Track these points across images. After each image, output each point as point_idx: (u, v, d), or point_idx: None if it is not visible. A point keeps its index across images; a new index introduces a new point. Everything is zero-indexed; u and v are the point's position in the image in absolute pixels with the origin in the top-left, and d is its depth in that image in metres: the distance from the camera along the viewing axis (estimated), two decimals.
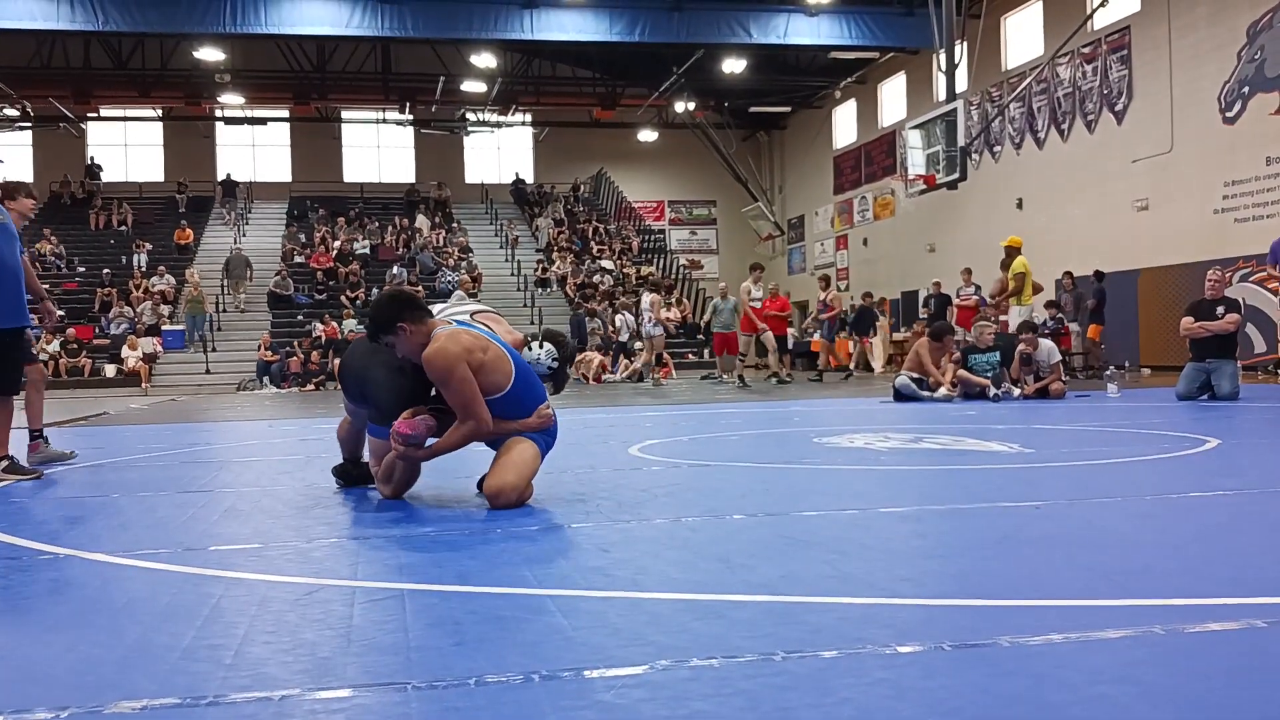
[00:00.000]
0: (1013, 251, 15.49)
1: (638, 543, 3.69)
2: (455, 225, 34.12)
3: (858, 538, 3.71)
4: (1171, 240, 19.27)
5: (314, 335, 25.61)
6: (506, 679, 2.13)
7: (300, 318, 27.35)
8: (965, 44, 20.16)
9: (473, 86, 31.95)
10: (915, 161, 20.34)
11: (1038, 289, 16.01)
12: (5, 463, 6.10)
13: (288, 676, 2.20)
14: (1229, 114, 18.68)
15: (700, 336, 28.15)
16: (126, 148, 35.96)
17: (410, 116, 34.86)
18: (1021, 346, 12.20)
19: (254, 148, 36.26)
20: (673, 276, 32.10)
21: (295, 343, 24.76)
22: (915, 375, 12.15)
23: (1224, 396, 10.73)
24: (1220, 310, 11.08)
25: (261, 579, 3.20)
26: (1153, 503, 4.42)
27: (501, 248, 33.25)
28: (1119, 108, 21.28)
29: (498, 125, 35.82)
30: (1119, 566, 3.14)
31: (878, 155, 30.68)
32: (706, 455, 6.59)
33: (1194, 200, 18.92)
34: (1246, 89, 18.30)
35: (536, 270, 31.01)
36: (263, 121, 34.79)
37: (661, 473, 5.74)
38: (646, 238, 35.22)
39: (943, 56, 19.61)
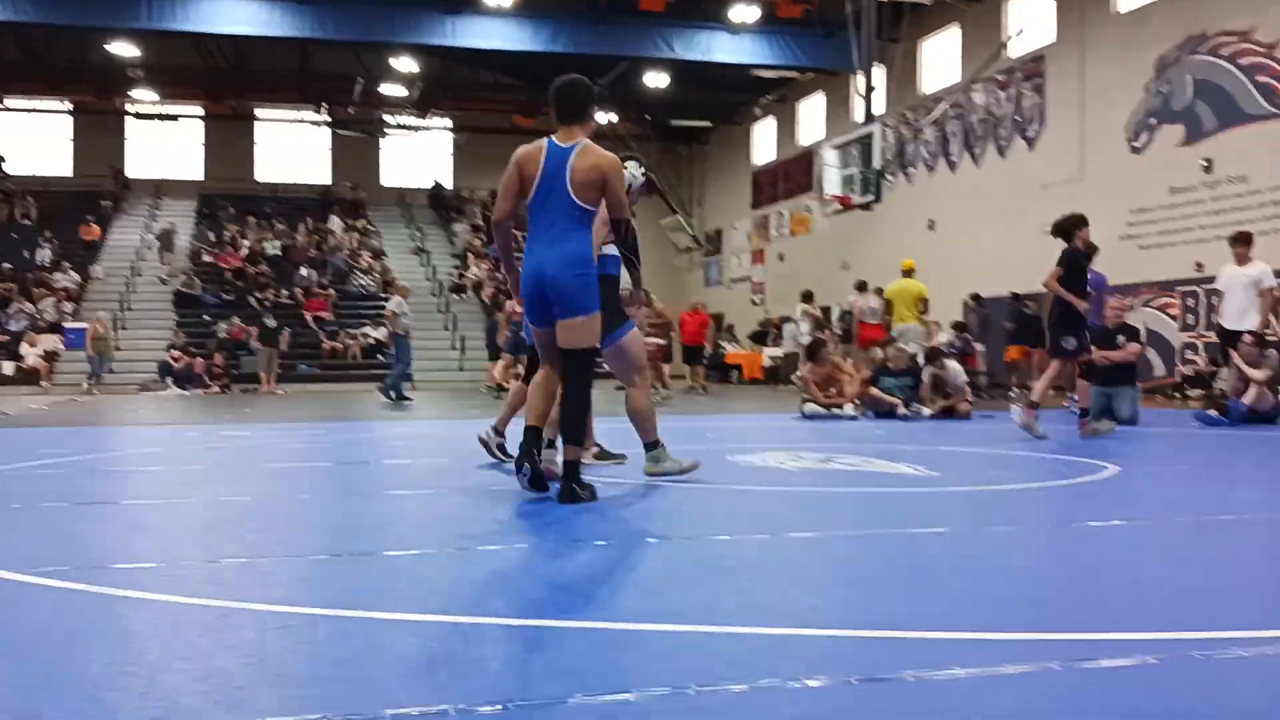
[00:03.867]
0: (909, 273, 16.02)
1: (552, 567, 3.71)
2: (369, 228, 33.78)
3: (769, 564, 3.77)
4: None
5: (220, 336, 25.21)
6: (420, 712, 2.14)
7: (207, 318, 26.88)
8: (883, 67, 20.52)
9: (392, 89, 31.70)
10: (832, 180, 20.63)
11: (924, 310, 16.32)
12: None
13: (203, 707, 2.18)
14: (1136, 144, 19.27)
15: None
16: (34, 140, 34.97)
17: (327, 117, 34.43)
18: (933, 368, 12.48)
19: (166, 144, 35.48)
20: None
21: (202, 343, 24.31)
22: (807, 397, 12.44)
23: (1124, 421, 11.06)
24: (1121, 339, 11.41)
25: (171, 600, 3.16)
26: (1052, 531, 4.56)
27: (416, 253, 32.99)
28: (1031, 134, 21.82)
29: (416, 129, 35.55)
30: (1019, 598, 3.25)
31: (795, 173, 31.05)
32: (619, 472, 6.61)
33: (1101, 227, 19.25)
34: (1154, 120, 18.89)
35: (452, 276, 30.83)
36: (175, 118, 34.11)
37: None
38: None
39: (861, 79, 19.93)
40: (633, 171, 5.89)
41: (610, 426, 7.47)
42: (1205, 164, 17.68)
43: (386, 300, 28.93)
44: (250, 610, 3.04)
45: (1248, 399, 10.78)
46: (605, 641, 2.71)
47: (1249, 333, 11.23)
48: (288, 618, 2.94)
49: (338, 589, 3.39)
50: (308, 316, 27.44)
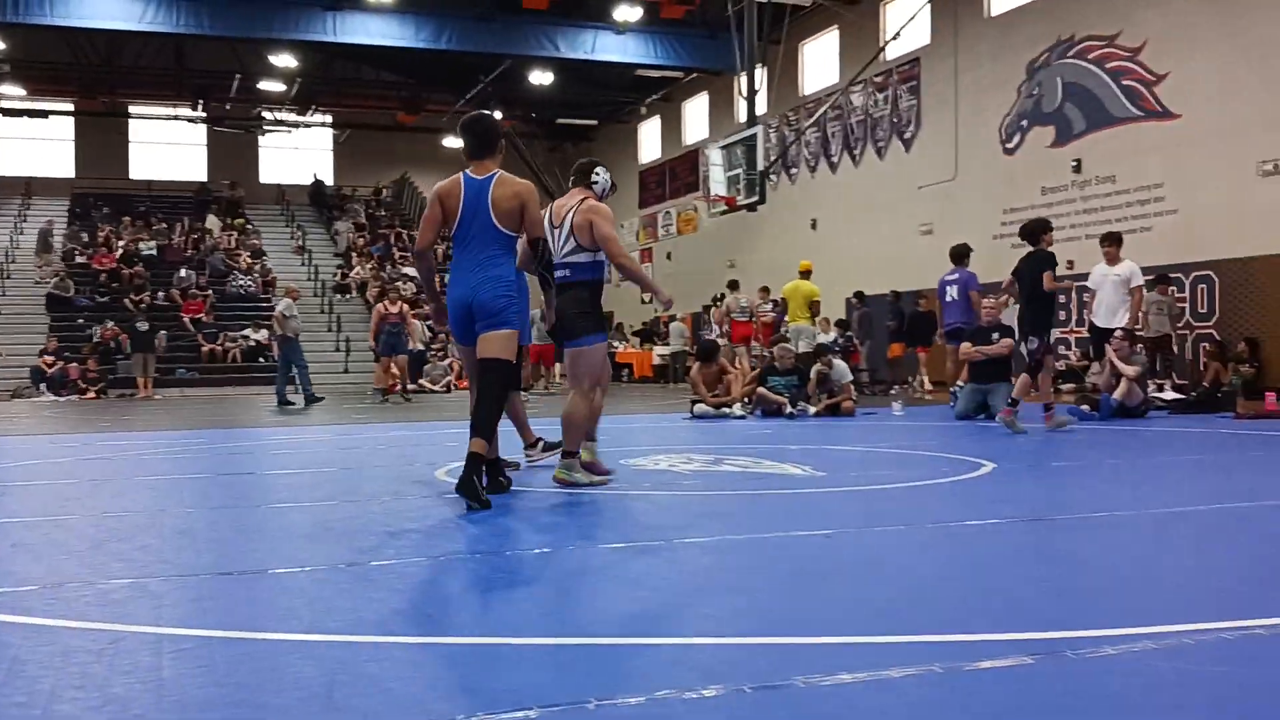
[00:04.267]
0: (804, 274, 16.41)
1: (451, 581, 3.73)
2: (248, 227, 33.09)
3: (662, 572, 3.85)
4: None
5: (94, 340, 24.46)
6: None
7: (80, 321, 26.05)
8: (765, 69, 20.83)
9: (271, 85, 31.10)
10: (717, 180, 20.88)
11: (815, 310, 16.79)
12: None
13: None
14: (1009, 145, 19.89)
15: None
16: None
17: (203, 114, 33.63)
18: (819, 367, 12.75)
19: (35, 141, 34.22)
20: None
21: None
22: (695, 398, 12.61)
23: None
24: (995, 335, 11.79)
25: (61, 625, 3.10)
26: (933, 531, 4.72)
27: (297, 252, 32.41)
28: (908, 136, 22.36)
29: (296, 125, 34.95)
30: (902, 599, 3.37)
31: (682, 171, 31.30)
32: (514, 479, 6.62)
33: (975, 226, 20.00)
34: (1025, 122, 19.51)
35: (335, 276, 30.37)
36: (44, 114, 32.93)
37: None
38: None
39: (743, 80, 20.20)
40: (604, 176, 6.39)
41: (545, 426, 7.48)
42: (1075, 165, 18.33)
43: (267, 301, 28.47)
44: (143, 634, 3.01)
45: (1118, 394, 11.23)
46: (503, 657, 2.75)
47: (1121, 330, 11.69)
48: (182, 641, 2.92)
49: (231, 610, 3.36)
50: (185, 319, 26.78)
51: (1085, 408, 11.47)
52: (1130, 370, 11.35)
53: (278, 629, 3.03)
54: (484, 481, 5.45)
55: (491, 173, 5.60)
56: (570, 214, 6.11)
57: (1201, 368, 15.65)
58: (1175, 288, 15.96)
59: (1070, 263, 17.85)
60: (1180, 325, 16.07)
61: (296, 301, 18.60)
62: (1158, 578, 3.71)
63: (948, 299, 13.15)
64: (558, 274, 6.00)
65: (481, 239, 5.53)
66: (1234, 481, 6.60)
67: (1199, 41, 16.18)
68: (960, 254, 13.30)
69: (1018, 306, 10.29)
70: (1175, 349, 15.85)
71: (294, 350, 17.78)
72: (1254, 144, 15.30)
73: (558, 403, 16.60)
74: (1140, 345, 12.26)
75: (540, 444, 7.31)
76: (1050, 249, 10.03)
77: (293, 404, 17.34)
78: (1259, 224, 14.98)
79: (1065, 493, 6.13)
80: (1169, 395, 12.78)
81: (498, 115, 31.96)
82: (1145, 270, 12.66)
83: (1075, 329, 17.79)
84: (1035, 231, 10.11)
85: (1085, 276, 12.91)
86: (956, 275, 13.15)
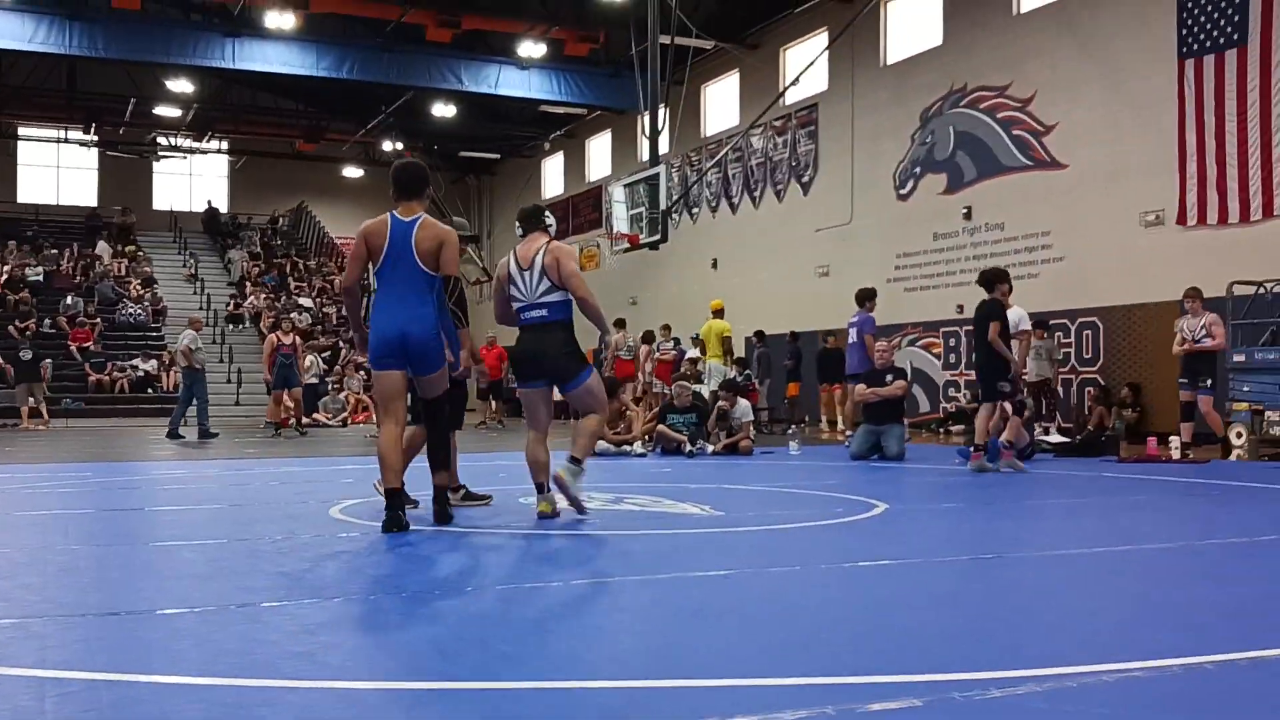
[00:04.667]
0: (717, 313, 16.69)
1: (345, 623, 3.68)
2: (140, 254, 32.31)
3: (562, 614, 3.85)
4: (849, 306, 20.63)
5: None
6: None
7: None
8: (668, 109, 21.05)
9: (166, 110, 30.53)
10: (620, 217, 20.99)
11: (727, 347, 17.09)
12: None
13: None
14: (902, 191, 20.37)
15: None
16: None
17: (95, 137, 32.83)
18: (721, 404, 12.88)
19: None
20: None
21: None
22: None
23: (892, 457, 11.66)
24: (889, 378, 12.04)
25: None
26: (827, 572, 4.80)
27: (190, 280, 31.74)
28: (806, 179, 22.78)
29: (191, 151, 34.33)
30: (796, 640, 3.42)
31: (584, 208, 31.43)
32: (411, 518, 6.54)
33: (870, 269, 20.43)
34: (918, 169, 20.02)
35: (228, 305, 29.80)
36: None
37: (365, 540, 5.69)
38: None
39: (646, 119, 20.40)
40: (552, 220, 6.67)
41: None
42: (965, 211, 18.85)
43: (157, 330, 27.81)
44: (26, 677, 2.92)
45: (1005, 435, 11.50)
46: (396, 701, 2.73)
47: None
48: (67, 684, 2.84)
49: (118, 651, 3.28)
50: (72, 347, 26.01)
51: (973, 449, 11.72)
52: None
53: (166, 671, 2.97)
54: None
55: (417, 215, 5.94)
56: (539, 255, 6.33)
57: (1086, 412, 16.15)
58: (1060, 333, 16.49)
59: (960, 307, 18.34)
60: (1065, 370, 16.58)
61: (200, 332, 18.19)
62: (1042, 620, 3.82)
63: (850, 340, 13.44)
64: (534, 314, 6.32)
65: (407, 278, 5.86)
66: (1115, 525, 6.82)
67: (1085, 94, 16.81)
68: (861, 297, 13.59)
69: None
70: (1059, 392, 16.35)
71: (199, 383, 17.37)
72: (1137, 194, 15.90)
73: (497, 439, 16.48)
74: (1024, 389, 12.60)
75: (462, 491, 7.18)
76: (1003, 299, 10.36)
77: (183, 437, 16.94)
78: (1142, 272, 15.55)
79: (955, 534, 6.28)
80: (1054, 438, 13.14)
81: (399, 145, 31.89)
82: (1030, 315, 13.04)
83: (964, 372, 18.23)
84: (990, 280, 10.49)
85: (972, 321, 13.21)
86: (856, 318, 13.43)
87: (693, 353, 20.00)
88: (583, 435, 6.43)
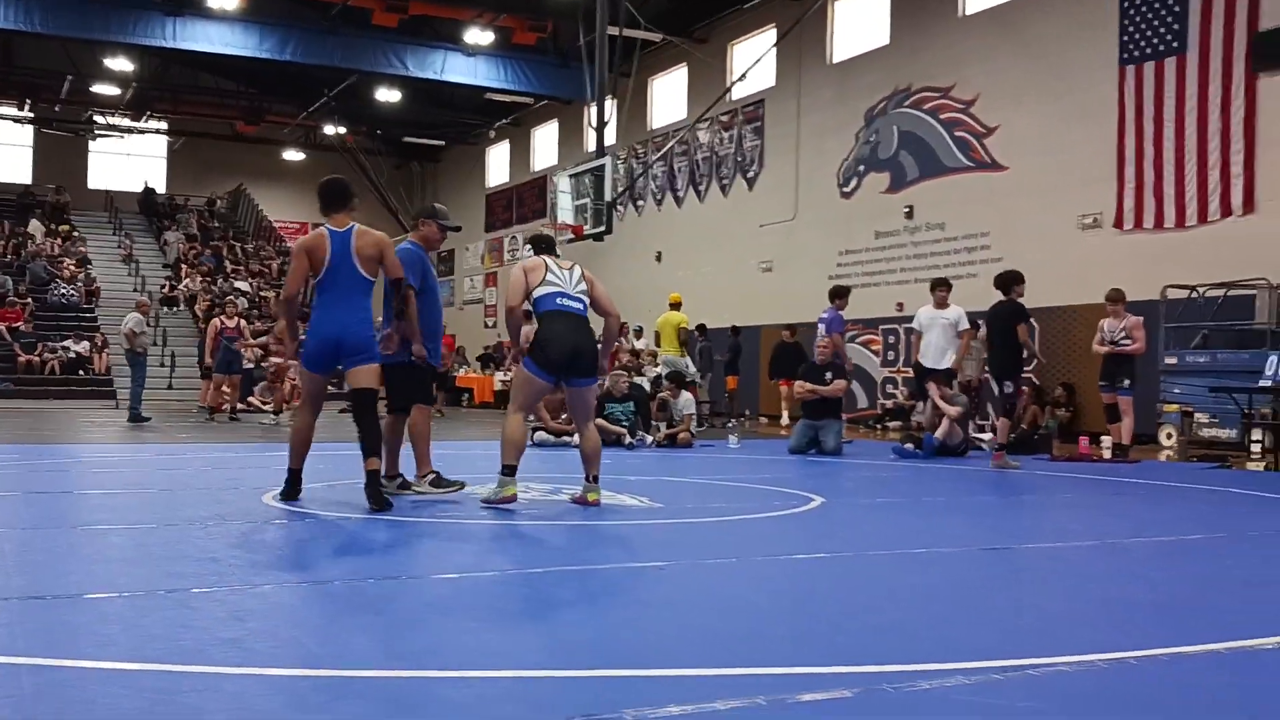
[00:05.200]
0: (674, 306, 16.71)
1: (276, 610, 3.64)
2: (74, 234, 31.67)
3: (497, 604, 3.84)
4: (792, 301, 20.80)
5: None
6: None
7: None
8: (615, 101, 21.03)
9: (104, 89, 29.93)
10: (564, 207, 20.92)
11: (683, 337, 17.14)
12: None
13: None
14: (846, 189, 20.51)
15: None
16: None
17: (30, 114, 32.13)
18: (664, 394, 12.89)
19: None
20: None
21: None
22: (536, 424, 12.51)
23: (830, 452, 11.75)
24: (829, 375, 12.10)
25: None
26: (763, 564, 4.82)
27: (125, 261, 31.18)
28: (751, 175, 22.86)
29: (129, 131, 33.71)
30: (731, 632, 3.44)
31: (529, 197, 31.30)
32: (341, 505, 6.49)
33: (813, 266, 20.57)
34: (862, 168, 20.16)
35: (163, 288, 29.31)
36: None
37: (298, 526, 5.64)
38: (287, 260, 34.13)
39: (593, 110, 20.36)
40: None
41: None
42: (907, 211, 19.02)
43: (90, 311, 27.28)
44: None
45: (939, 434, 11.65)
46: (326, 688, 2.70)
47: (946, 371, 12.14)
48: None
49: (43, 636, 3.22)
50: (2, 327, 25.44)
51: (909, 445, 11.85)
52: (953, 410, 11.80)
53: (93, 657, 2.92)
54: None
55: (349, 225, 6.29)
56: (577, 267, 6.78)
57: (1020, 410, 16.34)
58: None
59: (900, 304, 18.52)
60: None
61: (145, 316, 17.80)
62: (973, 613, 3.87)
63: (818, 335, 13.26)
64: (573, 305, 6.55)
65: (348, 284, 6.20)
66: (1046, 521, 6.93)
67: (1027, 97, 17.01)
68: (831, 294, 13.44)
69: (985, 353, 11.20)
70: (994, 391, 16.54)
71: (139, 367, 17.00)
72: (1075, 198, 16.13)
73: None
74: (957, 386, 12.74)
75: (432, 476, 7.02)
76: (1020, 300, 10.60)
77: (147, 419, 16.50)
78: (1078, 274, 15.76)
79: (889, 528, 6.34)
80: (988, 436, 13.31)
81: (341, 130, 31.55)
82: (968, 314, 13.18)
83: (902, 369, 18.40)
84: (1008, 282, 10.70)
85: (913, 319, 13.33)
86: (826, 314, 13.27)
87: (639, 344, 20.05)
88: (599, 454, 6.68)
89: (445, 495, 6.80)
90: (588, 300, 6.67)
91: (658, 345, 17.58)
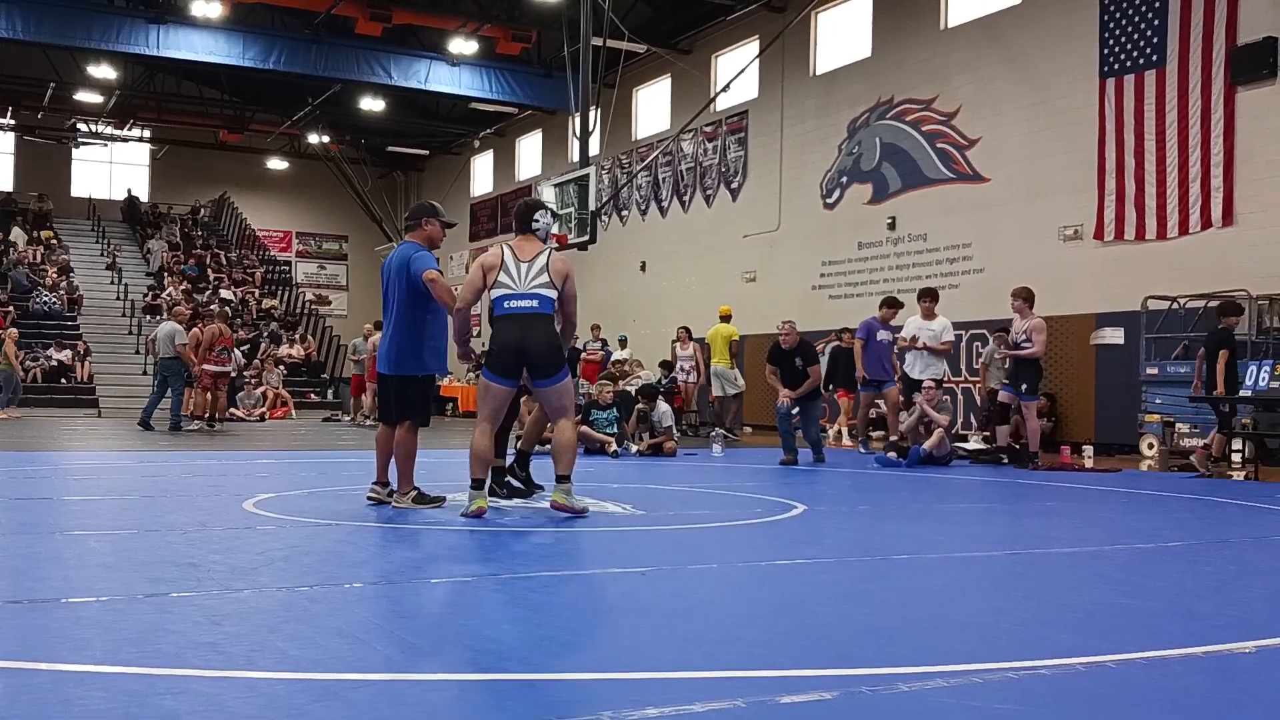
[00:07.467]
0: (725, 318, 17.47)
1: (253, 615, 3.62)
2: (56, 241, 31.54)
3: (473, 609, 3.83)
4: (775, 311, 20.79)
5: None
6: None
7: None
8: (599, 111, 21.05)
9: (88, 96, 29.82)
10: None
11: (735, 352, 17.46)
12: None
13: None
14: (829, 200, 20.56)
15: (324, 376, 27.55)
16: None
17: (12, 121, 31.98)
18: (640, 406, 12.88)
19: None
20: (297, 311, 31.25)
21: None
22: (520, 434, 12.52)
23: (810, 442, 11.84)
24: (798, 361, 11.99)
25: None
26: (744, 570, 4.83)
27: (108, 269, 31.06)
28: (735, 185, 22.91)
29: (112, 139, 33.59)
30: (711, 636, 3.44)
31: (514, 207, 31.24)
32: (325, 512, 6.48)
33: (796, 276, 20.62)
34: (845, 179, 20.22)
35: (146, 296, 29.20)
36: None
37: (278, 533, 5.62)
38: (271, 269, 34.09)
39: (578, 121, 20.38)
40: (546, 220, 6.80)
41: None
42: (890, 222, 19.08)
43: (72, 319, 27.16)
44: None
45: (929, 444, 11.66)
46: (305, 691, 2.69)
47: (931, 380, 12.16)
48: None
49: (20, 639, 3.20)
50: None
51: (892, 455, 11.86)
52: (942, 418, 11.83)
53: (70, 660, 2.90)
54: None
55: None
56: (544, 255, 6.48)
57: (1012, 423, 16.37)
58: (979, 344, 16.75)
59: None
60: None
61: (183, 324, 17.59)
62: (952, 618, 3.88)
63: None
64: (520, 304, 6.31)
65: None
66: (1026, 529, 6.95)
67: (1008, 110, 17.10)
68: (881, 303, 13.25)
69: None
70: (976, 401, 16.60)
71: (179, 377, 16.77)
72: (1057, 209, 16.20)
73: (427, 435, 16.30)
74: (946, 396, 12.78)
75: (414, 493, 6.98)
76: (1229, 329, 11.10)
77: (183, 428, 16.33)
78: (1060, 285, 15.83)
79: (870, 535, 6.35)
80: (971, 445, 13.34)
81: (325, 138, 31.48)
82: (958, 326, 13.22)
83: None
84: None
85: (898, 329, 13.34)
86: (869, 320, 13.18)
87: (620, 354, 20.03)
88: (567, 451, 6.42)
89: (427, 509, 6.74)
90: (545, 293, 6.35)
91: (709, 357, 17.80)
